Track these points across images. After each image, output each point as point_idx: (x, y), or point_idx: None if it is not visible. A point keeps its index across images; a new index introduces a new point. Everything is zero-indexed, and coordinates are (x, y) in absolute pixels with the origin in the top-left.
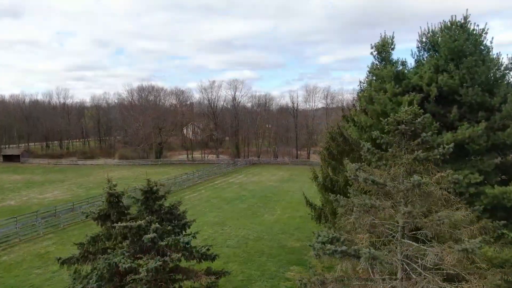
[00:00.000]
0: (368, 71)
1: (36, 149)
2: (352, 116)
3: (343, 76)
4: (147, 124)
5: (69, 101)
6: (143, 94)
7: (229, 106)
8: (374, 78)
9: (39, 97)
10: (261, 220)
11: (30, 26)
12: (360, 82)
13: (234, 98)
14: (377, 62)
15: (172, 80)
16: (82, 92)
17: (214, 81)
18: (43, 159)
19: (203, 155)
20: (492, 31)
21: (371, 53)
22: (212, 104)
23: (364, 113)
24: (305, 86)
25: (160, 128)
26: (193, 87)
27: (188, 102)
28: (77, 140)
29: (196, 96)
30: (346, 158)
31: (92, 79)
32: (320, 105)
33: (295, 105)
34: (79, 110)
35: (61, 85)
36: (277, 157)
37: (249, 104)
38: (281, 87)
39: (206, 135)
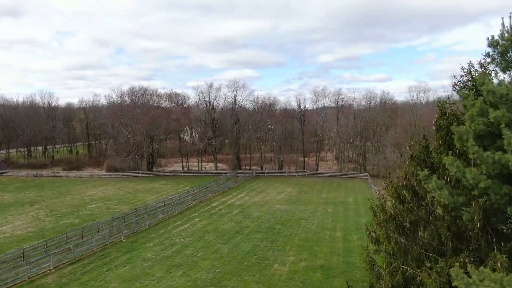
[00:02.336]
0: (457, 83)
1: (18, 157)
2: (435, 159)
3: (343, 75)
4: (137, 132)
5: (54, 104)
6: (134, 98)
7: (228, 107)
8: (492, 99)
9: (20, 100)
10: (271, 275)
11: (30, 26)
12: (442, 102)
13: (234, 102)
14: (495, 70)
15: (172, 80)
16: (83, 91)
17: (212, 84)
18: (23, 170)
19: (200, 165)
20: (493, 30)
21: (488, 54)
22: (210, 110)
23: (462, 160)
24: (313, 88)
25: (151, 136)
26: (191, 87)
27: (186, 105)
28: (66, 145)
29: (194, 97)
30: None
31: (92, 78)
32: (326, 105)
33: (302, 109)
34: (66, 114)
35: (61, 84)
36: (282, 168)
37: (250, 107)
38: (281, 86)
39: (203, 144)
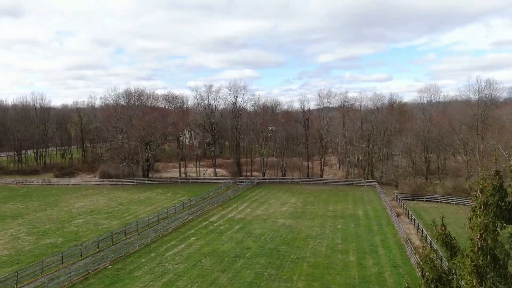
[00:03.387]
0: None
1: (8, 162)
2: None
3: (343, 75)
4: (132, 137)
5: (47, 106)
6: (130, 101)
7: (228, 109)
8: None
9: (11, 102)
10: None
11: (30, 25)
12: None
13: (235, 106)
14: None
15: (172, 80)
16: (83, 91)
17: (211, 86)
18: (12, 176)
19: (198, 170)
20: (493, 30)
21: None
22: (209, 114)
23: None
24: (318, 91)
25: (147, 142)
26: (191, 88)
27: (184, 107)
28: (60, 148)
29: (193, 99)
30: None
31: (93, 78)
32: (331, 106)
33: (306, 113)
34: (59, 116)
35: (61, 84)
36: (285, 174)
37: (252, 109)
38: (282, 86)
39: (201, 151)
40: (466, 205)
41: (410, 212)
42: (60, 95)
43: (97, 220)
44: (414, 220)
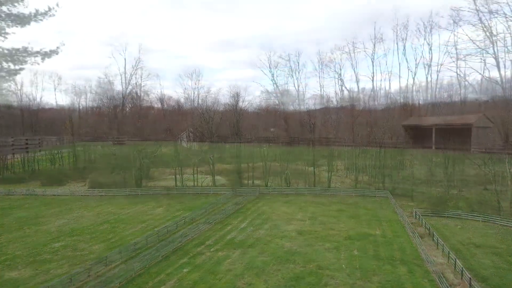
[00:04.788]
0: None
1: None
2: None
3: (344, 75)
4: (124, 144)
5: (36, 108)
6: (126, 103)
7: (229, 110)
8: None
9: None
10: None
11: (30, 25)
12: None
13: (235, 108)
14: None
15: (172, 80)
16: (83, 90)
17: (210, 89)
18: None
19: (196, 178)
20: (492, 30)
21: None
22: (208, 119)
23: None
24: (326, 93)
25: (140, 149)
26: (188, 89)
27: (182, 109)
28: (50, 152)
29: (191, 101)
30: None
31: (93, 78)
32: (338, 109)
33: (313, 118)
34: (49, 120)
35: (61, 84)
36: (289, 183)
37: (253, 111)
38: (282, 86)
39: (199, 159)
40: (495, 223)
41: (435, 234)
42: (61, 95)
43: (77, 244)
44: (443, 245)
